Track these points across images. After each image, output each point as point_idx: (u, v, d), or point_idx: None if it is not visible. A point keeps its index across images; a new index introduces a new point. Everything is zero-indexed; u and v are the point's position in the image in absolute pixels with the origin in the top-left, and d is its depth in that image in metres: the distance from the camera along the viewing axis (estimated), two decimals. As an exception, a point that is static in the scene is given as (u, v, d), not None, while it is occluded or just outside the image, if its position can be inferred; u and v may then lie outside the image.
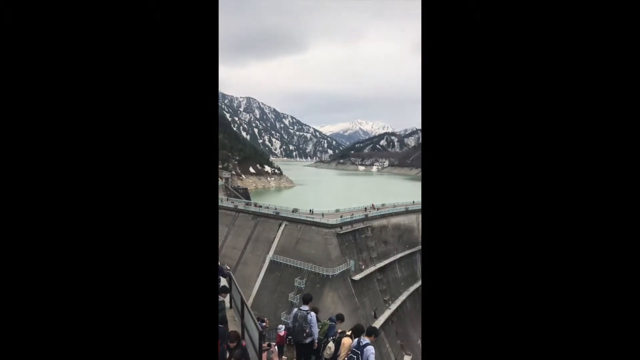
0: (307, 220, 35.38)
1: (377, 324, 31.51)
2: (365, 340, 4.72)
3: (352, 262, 33.52)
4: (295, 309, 6.09)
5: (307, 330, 5.79)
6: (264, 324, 11.19)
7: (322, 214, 38.30)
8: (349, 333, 5.24)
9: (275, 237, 35.67)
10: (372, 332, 4.93)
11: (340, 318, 6.45)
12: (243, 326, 6.30)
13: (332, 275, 30.93)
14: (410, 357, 34.32)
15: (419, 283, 42.88)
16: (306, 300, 6.07)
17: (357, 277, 33.04)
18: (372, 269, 35.53)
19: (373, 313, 33.79)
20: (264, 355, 7.15)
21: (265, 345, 7.65)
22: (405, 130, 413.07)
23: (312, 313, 5.94)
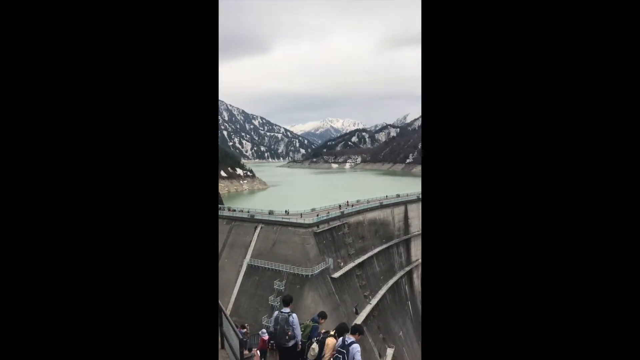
0: (283, 222, 35.12)
1: (359, 319, 31.77)
2: (350, 338, 4.64)
3: (330, 260, 33.59)
4: (276, 312, 5.95)
5: (289, 333, 5.67)
6: (245, 330, 10.93)
7: (301, 214, 38.14)
8: (332, 333, 5.14)
9: (251, 241, 35.15)
10: (356, 330, 4.86)
11: (322, 316, 6.36)
12: (222, 335, 6.08)
13: (312, 275, 30.87)
14: (393, 349, 34.87)
15: (398, 275, 43.70)
16: (286, 302, 5.95)
17: (336, 274, 33.15)
18: (351, 265, 35.78)
19: (354, 309, 34.04)
20: None
21: (246, 352, 7.45)
22: (376, 126, 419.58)
23: (294, 315, 5.82)
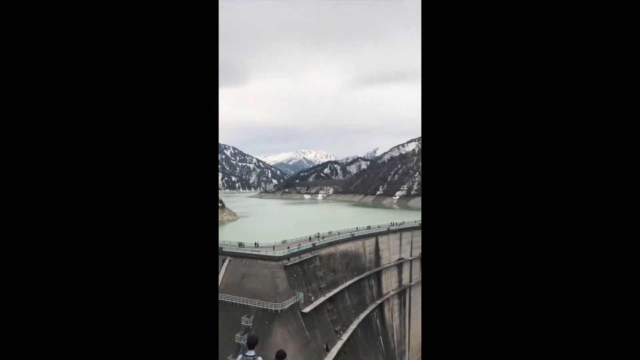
0: (253, 254, 34.11)
1: (331, 356, 30.57)
2: (250, 352, 4.50)
3: (301, 294, 32.65)
4: (240, 356, 5.58)
5: None
6: None
7: (274, 246, 37.25)
8: None
9: (218, 275, 33.69)
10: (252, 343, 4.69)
11: (279, 356, 5.99)
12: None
13: (281, 310, 29.75)
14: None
15: (369, 309, 42.98)
16: (251, 344, 5.62)
17: (307, 309, 32.15)
18: (322, 299, 34.89)
19: (325, 346, 32.84)
20: None
21: None
22: (347, 159, 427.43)
23: (259, 358, 5.48)
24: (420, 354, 52.41)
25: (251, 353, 5.48)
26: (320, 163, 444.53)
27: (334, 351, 32.67)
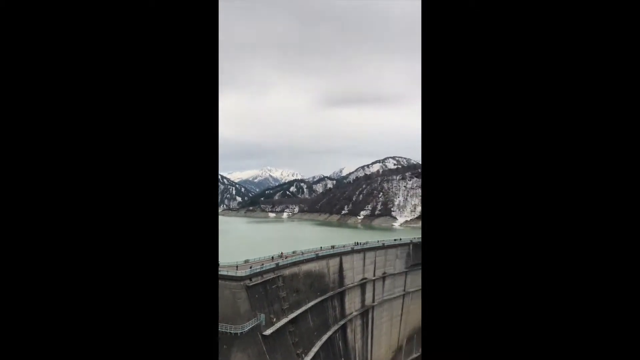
0: (213, 274, 32.80)
1: (291, 381, 29.55)
2: None
3: (262, 316, 31.66)
4: None
5: None
6: None
7: (236, 266, 36.06)
8: None
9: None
10: None
11: None
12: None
13: (241, 333, 28.58)
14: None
15: (332, 330, 42.37)
16: None
17: (268, 331, 31.14)
18: (284, 321, 34.01)
19: (286, 370, 31.80)
20: None
21: None
22: (313, 177, 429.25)
23: None
24: (381, 376, 52.05)
25: None
26: (286, 181, 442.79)
27: (295, 375, 31.72)
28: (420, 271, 47.36)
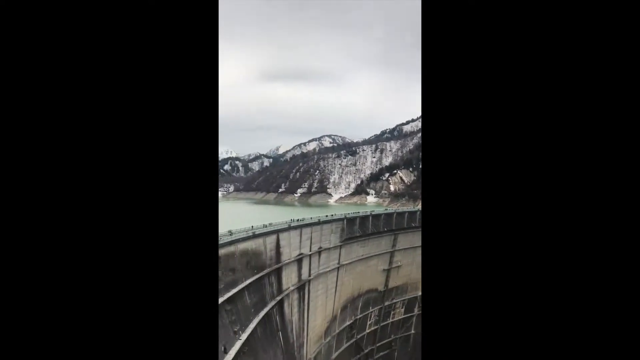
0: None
1: (228, 358, 29.61)
2: None
3: (197, 297, 30.88)
4: None
5: None
6: None
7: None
8: None
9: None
10: None
11: None
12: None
13: (175, 316, 27.65)
14: (264, 385, 33.51)
15: (269, 306, 42.95)
16: None
17: (203, 312, 30.51)
18: (220, 300, 33.56)
19: (223, 348, 31.72)
20: None
21: None
22: (249, 155, 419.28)
23: None
24: (317, 344, 54.67)
25: None
26: (220, 159, 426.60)
27: (232, 352, 31.81)
28: (353, 244, 49.65)
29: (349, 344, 53.78)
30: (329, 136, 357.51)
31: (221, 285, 35.38)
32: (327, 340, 57.69)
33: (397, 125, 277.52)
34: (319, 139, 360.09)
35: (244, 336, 35.33)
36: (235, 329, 35.27)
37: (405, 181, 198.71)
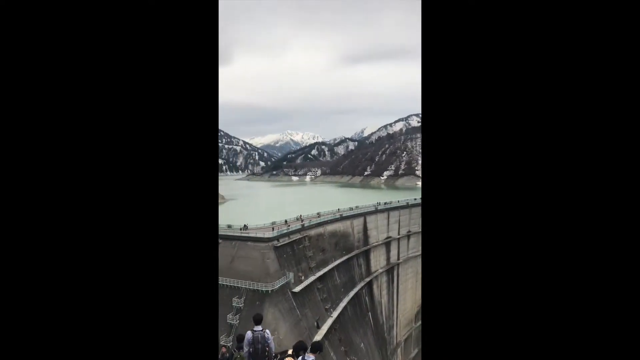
0: (242, 236, 34.18)
1: (321, 333, 31.37)
2: (310, 357, 4.50)
3: (291, 275, 33.08)
4: (249, 332, 5.99)
5: (267, 349, 5.88)
6: (223, 350, 10.35)
7: (273, 226, 37.30)
8: (290, 352, 4.97)
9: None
10: (315, 348, 4.73)
11: (256, 320, 6.18)
12: None
13: (272, 290, 30.16)
14: (355, 361, 34.71)
15: (359, 287, 44.03)
16: (258, 320, 6.14)
17: (297, 289, 32.66)
18: (311, 278, 35.44)
19: (316, 323, 33.61)
20: None
21: None
22: (335, 140, 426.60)
23: (267, 331, 6.05)
24: (407, 328, 54.31)
25: (259, 328, 5.80)
26: (307, 144, 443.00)
27: (325, 328, 33.50)
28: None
29: (441, 330, 51.93)
30: (417, 115, 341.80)
31: (312, 264, 37.36)
32: (418, 324, 56.84)
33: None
34: (406, 118, 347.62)
35: (335, 314, 36.95)
36: (327, 307, 37.05)
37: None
